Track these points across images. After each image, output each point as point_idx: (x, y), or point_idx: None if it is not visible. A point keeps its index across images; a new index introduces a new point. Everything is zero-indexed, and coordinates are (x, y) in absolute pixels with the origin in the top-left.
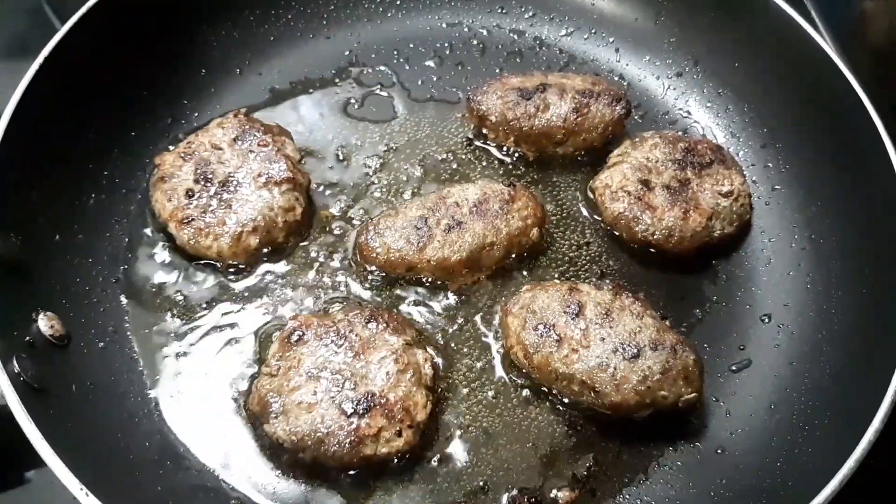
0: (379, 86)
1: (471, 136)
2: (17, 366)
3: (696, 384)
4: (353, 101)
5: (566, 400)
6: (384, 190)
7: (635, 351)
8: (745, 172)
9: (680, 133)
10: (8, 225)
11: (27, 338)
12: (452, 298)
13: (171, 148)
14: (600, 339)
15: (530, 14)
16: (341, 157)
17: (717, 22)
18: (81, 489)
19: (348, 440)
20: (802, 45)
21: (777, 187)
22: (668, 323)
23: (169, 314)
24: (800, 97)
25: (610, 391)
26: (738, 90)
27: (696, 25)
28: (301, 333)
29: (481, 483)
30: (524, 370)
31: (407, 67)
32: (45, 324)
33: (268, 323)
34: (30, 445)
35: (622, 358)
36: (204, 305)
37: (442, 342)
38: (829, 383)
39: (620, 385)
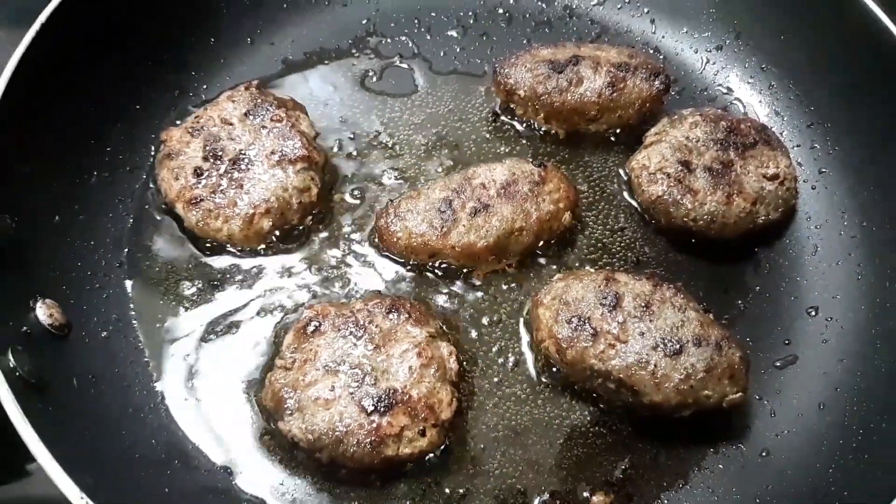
0: (398, 57)
1: (497, 111)
2: (12, 359)
3: (742, 383)
4: (370, 73)
5: (601, 398)
6: (404, 169)
7: (677, 347)
8: (790, 154)
9: (720, 111)
10: (2, 205)
11: (24, 328)
12: (478, 287)
13: (178, 122)
14: (639, 333)
15: None
16: (358, 134)
17: None
18: (82, 498)
19: (369, 440)
20: (857, 15)
21: (824, 170)
22: (711, 316)
23: (176, 301)
24: (852, 73)
25: (650, 390)
26: (783, 65)
27: None
28: (318, 324)
29: (510, 485)
30: (556, 366)
31: (428, 37)
32: (44, 312)
33: (282, 312)
34: None
35: (663, 354)
36: (213, 292)
37: (467, 335)
38: (885, 383)
39: (661, 384)
